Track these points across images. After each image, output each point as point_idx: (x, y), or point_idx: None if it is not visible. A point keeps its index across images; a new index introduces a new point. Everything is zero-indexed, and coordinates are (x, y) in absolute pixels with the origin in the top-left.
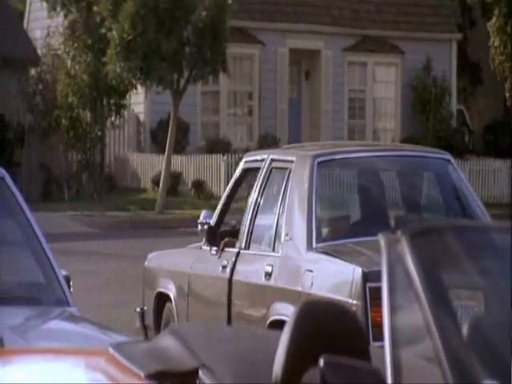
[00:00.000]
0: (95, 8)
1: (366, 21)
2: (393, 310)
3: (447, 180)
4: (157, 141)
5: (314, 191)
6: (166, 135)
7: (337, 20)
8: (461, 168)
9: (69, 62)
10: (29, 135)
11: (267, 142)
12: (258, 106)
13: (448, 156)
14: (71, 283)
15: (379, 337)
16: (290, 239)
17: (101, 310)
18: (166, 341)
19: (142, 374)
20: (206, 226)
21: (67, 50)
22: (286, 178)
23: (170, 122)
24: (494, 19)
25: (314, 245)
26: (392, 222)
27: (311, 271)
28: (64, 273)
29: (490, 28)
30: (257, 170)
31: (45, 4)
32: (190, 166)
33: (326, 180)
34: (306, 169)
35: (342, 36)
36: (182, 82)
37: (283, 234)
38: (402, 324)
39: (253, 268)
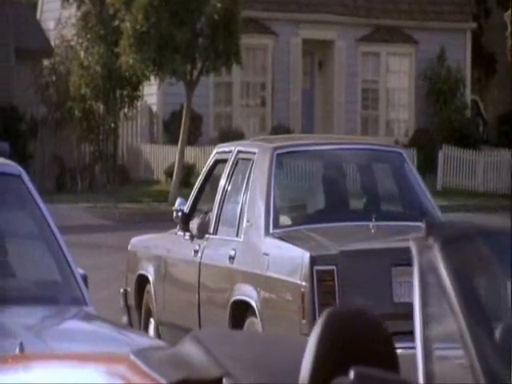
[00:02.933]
0: (108, 0)
1: (380, 11)
2: (425, 318)
3: (399, 172)
4: (170, 132)
5: (272, 181)
6: (178, 126)
7: (350, 10)
8: (475, 159)
9: (82, 53)
10: (42, 127)
11: (280, 133)
12: (271, 96)
13: (401, 150)
14: (88, 281)
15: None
16: (251, 225)
17: (112, 304)
18: (188, 348)
19: (165, 383)
20: (179, 213)
21: (80, 41)
22: (249, 168)
23: (183, 114)
24: (510, 10)
25: (271, 230)
26: (423, 227)
27: (267, 255)
28: (81, 271)
29: (507, 18)
30: (226, 160)
31: None
32: (202, 158)
33: (284, 171)
34: (266, 160)
35: (355, 26)
36: (195, 73)
37: (245, 221)
38: (435, 333)
39: (219, 252)
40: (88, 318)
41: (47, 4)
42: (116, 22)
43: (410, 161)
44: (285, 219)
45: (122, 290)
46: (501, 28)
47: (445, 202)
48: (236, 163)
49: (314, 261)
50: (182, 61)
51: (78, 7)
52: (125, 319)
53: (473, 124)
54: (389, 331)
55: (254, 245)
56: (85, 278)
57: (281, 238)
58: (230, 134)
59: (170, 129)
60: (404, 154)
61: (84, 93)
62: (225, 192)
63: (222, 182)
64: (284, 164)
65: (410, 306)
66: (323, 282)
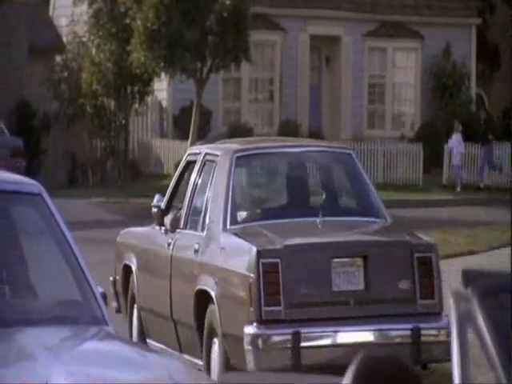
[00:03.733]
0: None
1: (386, 6)
2: (463, 368)
3: (348, 171)
4: (179, 127)
5: (231, 181)
6: (188, 122)
7: (357, 6)
8: (480, 154)
9: (93, 50)
10: (54, 123)
11: (288, 127)
12: (279, 92)
13: (349, 150)
14: (107, 300)
15: (271, 303)
16: (212, 221)
17: None
18: None
19: None
20: (156, 209)
21: (92, 38)
22: (213, 169)
23: (193, 110)
24: None
25: (228, 227)
26: (461, 278)
27: (224, 249)
28: (100, 289)
29: None
30: (195, 161)
31: None
32: None
33: (243, 172)
34: (227, 162)
35: (362, 22)
36: (205, 70)
37: (208, 217)
38: (473, 383)
39: (186, 245)
40: (108, 338)
41: (59, 1)
42: (127, 20)
43: (358, 160)
44: (241, 216)
45: (111, 278)
46: (505, 23)
47: (450, 196)
48: (203, 164)
49: (260, 254)
50: (191, 58)
51: (90, 5)
52: (114, 305)
53: (477, 118)
54: (420, 376)
55: (213, 239)
56: (104, 297)
57: (235, 234)
58: (239, 129)
59: (180, 124)
60: (353, 155)
61: (95, 89)
62: (193, 190)
63: (191, 181)
64: (243, 165)
65: (347, 294)
66: (268, 273)
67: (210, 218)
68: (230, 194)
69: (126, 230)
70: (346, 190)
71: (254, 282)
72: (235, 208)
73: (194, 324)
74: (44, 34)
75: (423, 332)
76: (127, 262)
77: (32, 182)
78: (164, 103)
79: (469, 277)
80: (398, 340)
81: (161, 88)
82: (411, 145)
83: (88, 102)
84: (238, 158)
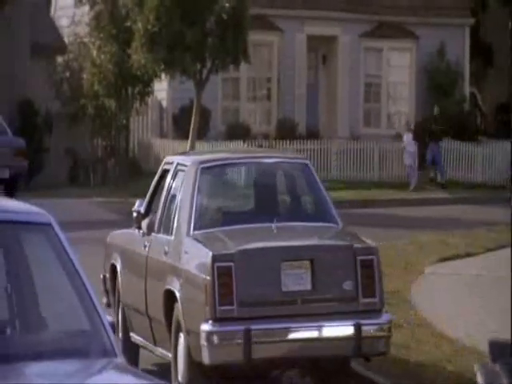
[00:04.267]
0: (120, 1)
1: (382, 7)
2: None
3: (304, 180)
4: (179, 126)
5: (196, 190)
6: (187, 121)
7: (353, 6)
8: (473, 152)
9: (94, 51)
10: (56, 122)
11: (285, 126)
12: (277, 91)
13: (306, 161)
14: (116, 330)
15: (224, 302)
16: (179, 227)
17: None
18: None
19: None
20: (135, 213)
21: (93, 40)
22: (183, 178)
23: (193, 111)
24: None
25: (191, 232)
26: (488, 349)
27: (187, 253)
28: (109, 319)
29: None
30: (169, 170)
31: None
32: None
33: (208, 181)
34: (193, 172)
35: (358, 22)
36: (205, 72)
37: (176, 222)
38: None
39: (159, 248)
40: (119, 370)
41: (60, 2)
42: (128, 23)
43: (314, 170)
44: (204, 222)
45: (101, 276)
46: (498, 21)
47: (445, 194)
48: (176, 173)
49: (215, 258)
50: (191, 60)
51: (91, 7)
52: (104, 300)
53: (471, 116)
54: None
55: (179, 243)
56: (113, 326)
57: (196, 239)
58: (238, 128)
59: (180, 123)
60: (309, 165)
61: (97, 90)
62: (166, 197)
63: (165, 188)
64: (207, 176)
65: (295, 294)
66: (222, 275)
67: (177, 223)
68: (195, 201)
69: (115, 231)
70: (302, 197)
71: (210, 284)
72: (199, 215)
73: (163, 320)
74: (46, 34)
75: (364, 328)
76: (113, 262)
77: (42, 211)
78: (164, 103)
79: (496, 350)
80: (341, 335)
81: (161, 88)
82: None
83: (89, 102)
84: (202, 168)
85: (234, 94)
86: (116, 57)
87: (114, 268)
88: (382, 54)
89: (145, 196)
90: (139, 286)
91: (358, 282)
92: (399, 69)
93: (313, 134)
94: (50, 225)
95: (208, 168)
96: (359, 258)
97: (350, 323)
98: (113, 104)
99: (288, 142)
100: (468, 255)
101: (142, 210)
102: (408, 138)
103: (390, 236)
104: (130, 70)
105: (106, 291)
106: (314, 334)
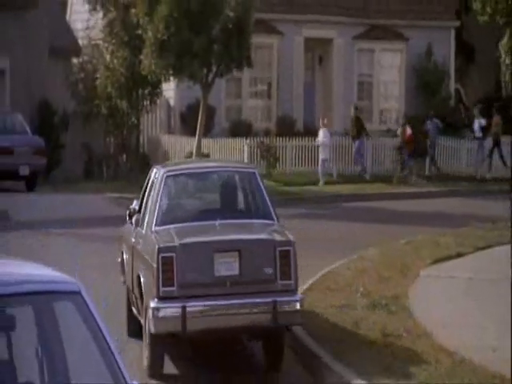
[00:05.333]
0: (132, 10)
1: (374, 11)
2: None
3: (250, 185)
4: (186, 124)
5: (160, 193)
6: (194, 118)
7: (347, 11)
8: (458, 147)
9: (108, 56)
10: (72, 120)
11: (285, 122)
12: (276, 90)
13: (253, 169)
14: None
15: (167, 284)
16: (147, 223)
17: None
18: None
19: None
20: (129, 211)
21: (106, 45)
22: (155, 184)
23: (200, 112)
24: (505, 39)
25: (153, 228)
26: None
27: (148, 244)
28: (135, 383)
29: (502, 47)
30: (151, 177)
31: None
32: (216, 148)
33: (171, 187)
34: (159, 179)
35: (352, 25)
36: (211, 76)
37: (146, 219)
38: None
39: (138, 239)
40: None
41: (76, 6)
42: (139, 31)
43: (259, 176)
44: (164, 220)
45: (118, 259)
46: (479, 22)
47: (433, 188)
48: (154, 180)
49: (160, 250)
50: (198, 66)
51: (104, 14)
52: (122, 279)
53: (457, 112)
54: None
55: (145, 236)
56: None
57: (154, 233)
58: (240, 125)
59: (186, 121)
60: (256, 172)
61: (110, 92)
62: (147, 199)
63: (147, 191)
64: (170, 182)
65: (225, 278)
66: (165, 264)
67: (147, 219)
68: (158, 203)
69: (124, 225)
70: (247, 199)
71: (156, 270)
72: (161, 214)
73: (139, 297)
74: (62, 37)
75: (279, 304)
76: (122, 249)
77: (72, 280)
78: (171, 101)
79: None
80: (262, 310)
81: (168, 87)
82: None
83: (103, 103)
84: (167, 176)
85: (237, 92)
86: (128, 61)
87: (122, 254)
88: (373, 54)
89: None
90: (129, 269)
91: (276, 268)
92: (390, 69)
93: (310, 130)
94: (79, 293)
95: (171, 176)
96: (278, 248)
97: (268, 300)
98: (124, 105)
99: (287, 138)
100: (459, 255)
101: (137, 208)
102: (324, 132)
103: (386, 232)
104: (141, 74)
105: (122, 271)
106: (239, 309)
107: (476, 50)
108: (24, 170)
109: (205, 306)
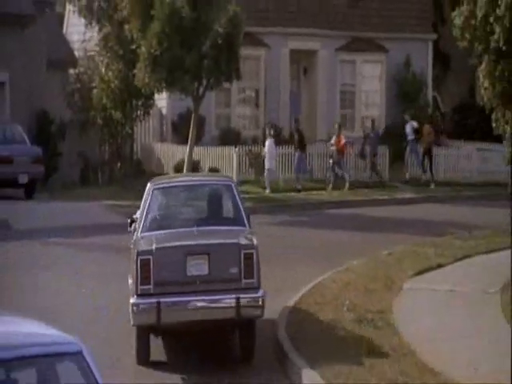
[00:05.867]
0: (126, 26)
1: (356, 24)
2: None
3: (227, 196)
4: (177, 132)
5: (147, 204)
6: (185, 127)
7: (331, 24)
8: (436, 152)
9: (103, 69)
10: (69, 129)
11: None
12: (264, 99)
13: (230, 182)
14: None
15: (144, 283)
16: (136, 230)
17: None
18: None
19: None
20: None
21: (101, 58)
22: (146, 196)
23: (191, 123)
24: (484, 65)
25: (140, 234)
26: None
27: (134, 249)
28: None
29: (481, 72)
30: (146, 190)
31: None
32: (206, 156)
33: (158, 199)
34: (149, 192)
35: (335, 38)
36: (201, 89)
37: (137, 227)
38: None
39: (132, 243)
40: None
41: (72, 19)
42: (133, 46)
43: (235, 188)
44: (149, 227)
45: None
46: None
47: (412, 194)
48: (147, 192)
49: (138, 253)
50: (190, 80)
51: (100, 29)
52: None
53: (434, 119)
54: None
55: (134, 242)
56: None
57: (140, 239)
58: (229, 133)
59: (178, 129)
60: (232, 185)
61: (105, 103)
62: (141, 209)
63: (142, 202)
64: (157, 195)
65: (196, 278)
66: (143, 265)
67: (137, 227)
68: (145, 212)
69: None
70: (223, 208)
71: (135, 271)
72: (148, 222)
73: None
74: (59, 49)
75: (242, 300)
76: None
77: (73, 341)
78: (164, 110)
79: None
80: (227, 305)
81: (161, 97)
82: (380, 146)
83: (98, 113)
84: (154, 189)
85: (226, 102)
86: (122, 74)
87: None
88: (355, 65)
89: None
90: (130, 268)
91: (241, 269)
92: (371, 79)
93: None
94: (80, 353)
95: (157, 189)
96: (243, 251)
97: (233, 296)
98: (119, 115)
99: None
100: (439, 266)
101: (137, 216)
102: (270, 142)
103: (368, 240)
104: (135, 86)
105: None
106: (207, 304)
107: (452, 58)
108: (23, 179)
109: (177, 301)
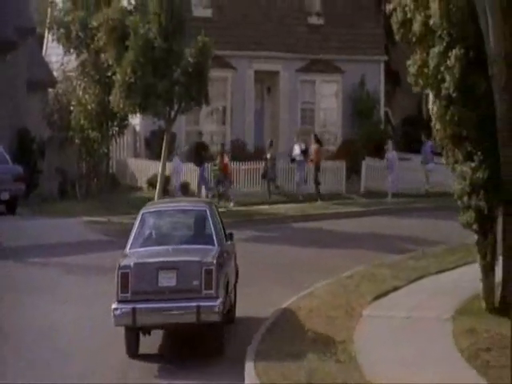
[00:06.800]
0: (102, 55)
1: (315, 47)
2: None
3: (202, 219)
4: (150, 148)
5: (136, 226)
6: (157, 143)
7: (292, 47)
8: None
9: (80, 92)
10: (48, 147)
11: (237, 146)
12: (230, 117)
13: (204, 207)
14: None
15: (123, 292)
16: (126, 246)
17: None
18: None
19: None
20: None
21: (79, 82)
22: (136, 219)
23: (164, 143)
24: (435, 109)
25: (127, 251)
26: None
27: (121, 262)
28: None
29: (433, 115)
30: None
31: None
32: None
33: (145, 221)
34: (139, 215)
35: (296, 60)
36: (173, 113)
37: (126, 244)
38: None
39: (121, 254)
40: None
41: (51, 41)
42: (109, 73)
43: (209, 213)
44: (135, 245)
45: None
46: (403, 51)
47: (365, 207)
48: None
49: (119, 267)
50: (162, 105)
51: (77, 55)
52: None
53: (386, 134)
54: None
55: (122, 255)
56: None
57: (126, 254)
58: (198, 148)
59: (151, 145)
60: (207, 210)
61: (82, 124)
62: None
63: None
64: (145, 218)
65: (165, 288)
66: (123, 278)
67: (126, 244)
68: (134, 232)
69: None
70: (197, 229)
71: (116, 281)
72: (135, 240)
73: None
74: (39, 71)
75: (202, 308)
76: None
77: None
78: (137, 128)
79: None
80: (189, 311)
81: (135, 116)
82: (337, 161)
83: (76, 134)
84: (143, 213)
85: (196, 119)
86: (98, 98)
87: None
88: (314, 85)
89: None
90: None
91: (202, 281)
92: (329, 97)
93: (259, 152)
94: None
95: (145, 213)
96: (204, 267)
97: (194, 304)
98: (96, 135)
99: (240, 161)
100: (395, 289)
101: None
102: (176, 161)
103: (329, 257)
104: (111, 109)
105: None
106: (173, 310)
107: (401, 74)
108: (5, 196)
109: (149, 307)
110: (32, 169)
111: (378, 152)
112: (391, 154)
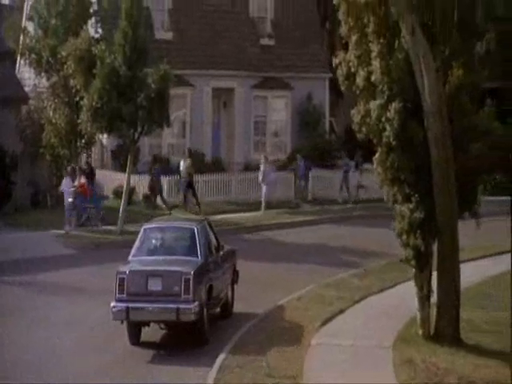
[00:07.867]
0: (71, 81)
1: (267, 66)
2: None
3: (190, 235)
4: (116, 160)
5: (138, 238)
6: (123, 156)
7: (246, 66)
8: (332, 176)
9: (51, 112)
10: (21, 160)
11: (196, 156)
12: (190, 130)
13: (192, 226)
14: None
15: (121, 293)
16: (130, 256)
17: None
18: None
19: None
20: None
21: (49, 103)
22: (139, 232)
23: (128, 161)
24: (377, 154)
25: (130, 258)
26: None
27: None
28: None
29: (375, 160)
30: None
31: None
32: (141, 183)
33: (146, 235)
34: (141, 230)
35: (250, 77)
36: (137, 134)
37: (130, 253)
38: None
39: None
40: None
41: (23, 61)
42: (77, 98)
43: (197, 229)
44: (136, 255)
45: None
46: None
47: (311, 216)
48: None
49: (118, 273)
50: (127, 128)
51: (48, 78)
52: None
53: (331, 143)
54: None
55: (126, 262)
56: None
57: (126, 262)
58: (160, 160)
59: (117, 157)
60: (194, 228)
61: (53, 142)
62: None
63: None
64: (146, 233)
65: (153, 291)
66: (120, 281)
67: (131, 253)
68: (137, 244)
69: None
70: (186, 243)
71: (115, 284)
72: (136, 251)
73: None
74: (11, 87)
75: (181, 309)
76: None
77: None
78: (104, 141)
79: None
80: (171, 311)
81: None
82: (287, 172)
83: (47, 151)
84: (144, 228)
85: (158, 133)
86: (68, 117)
87: None
88: (267, 100)
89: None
90: None
91: (181, 287)
92: (279, 111)
93: (217, 161)
94: None
95: (146, 228)
96: (183, 276)
97: (174, 306)
98: (65, 153)
99: (199, 174)
100: (341, 311)
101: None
102: (67, 180)
103: (279, 273)
104: (79, 128)
105: None
106: (158, 310)
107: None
108: None
109: (139, 306)
110: (6, 181)
111: (323, 159)
112: (301, 162)
